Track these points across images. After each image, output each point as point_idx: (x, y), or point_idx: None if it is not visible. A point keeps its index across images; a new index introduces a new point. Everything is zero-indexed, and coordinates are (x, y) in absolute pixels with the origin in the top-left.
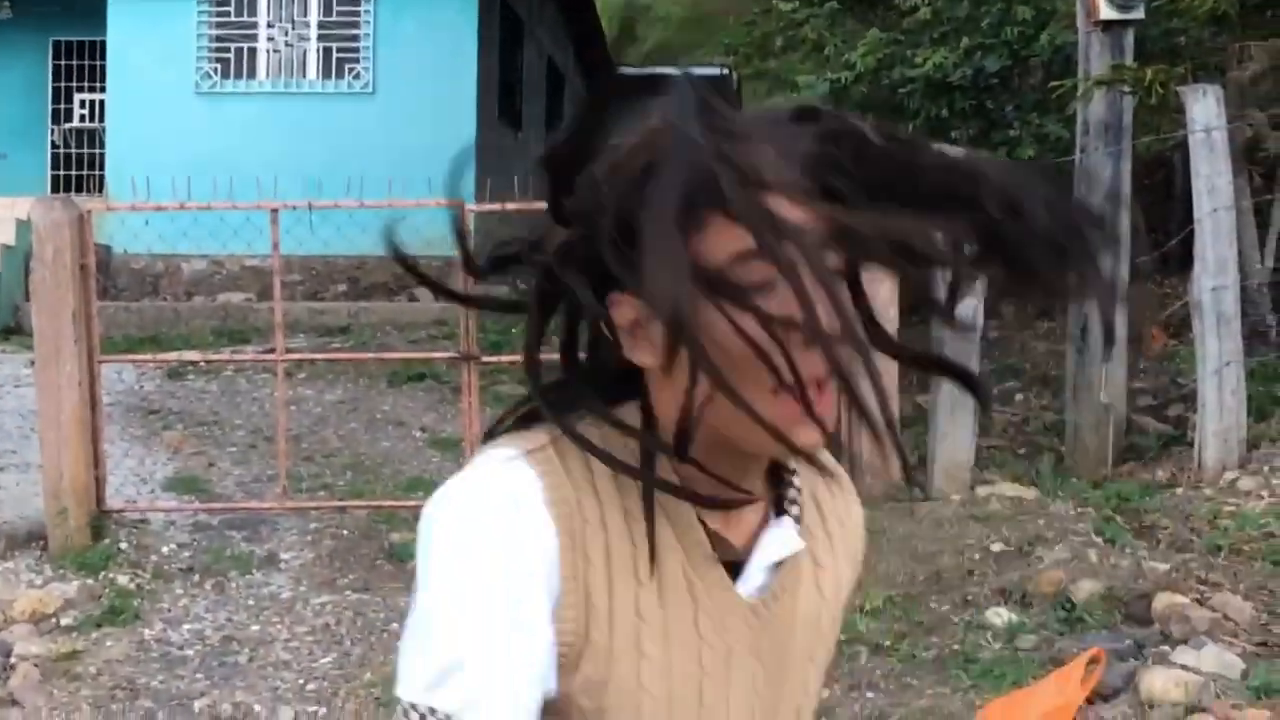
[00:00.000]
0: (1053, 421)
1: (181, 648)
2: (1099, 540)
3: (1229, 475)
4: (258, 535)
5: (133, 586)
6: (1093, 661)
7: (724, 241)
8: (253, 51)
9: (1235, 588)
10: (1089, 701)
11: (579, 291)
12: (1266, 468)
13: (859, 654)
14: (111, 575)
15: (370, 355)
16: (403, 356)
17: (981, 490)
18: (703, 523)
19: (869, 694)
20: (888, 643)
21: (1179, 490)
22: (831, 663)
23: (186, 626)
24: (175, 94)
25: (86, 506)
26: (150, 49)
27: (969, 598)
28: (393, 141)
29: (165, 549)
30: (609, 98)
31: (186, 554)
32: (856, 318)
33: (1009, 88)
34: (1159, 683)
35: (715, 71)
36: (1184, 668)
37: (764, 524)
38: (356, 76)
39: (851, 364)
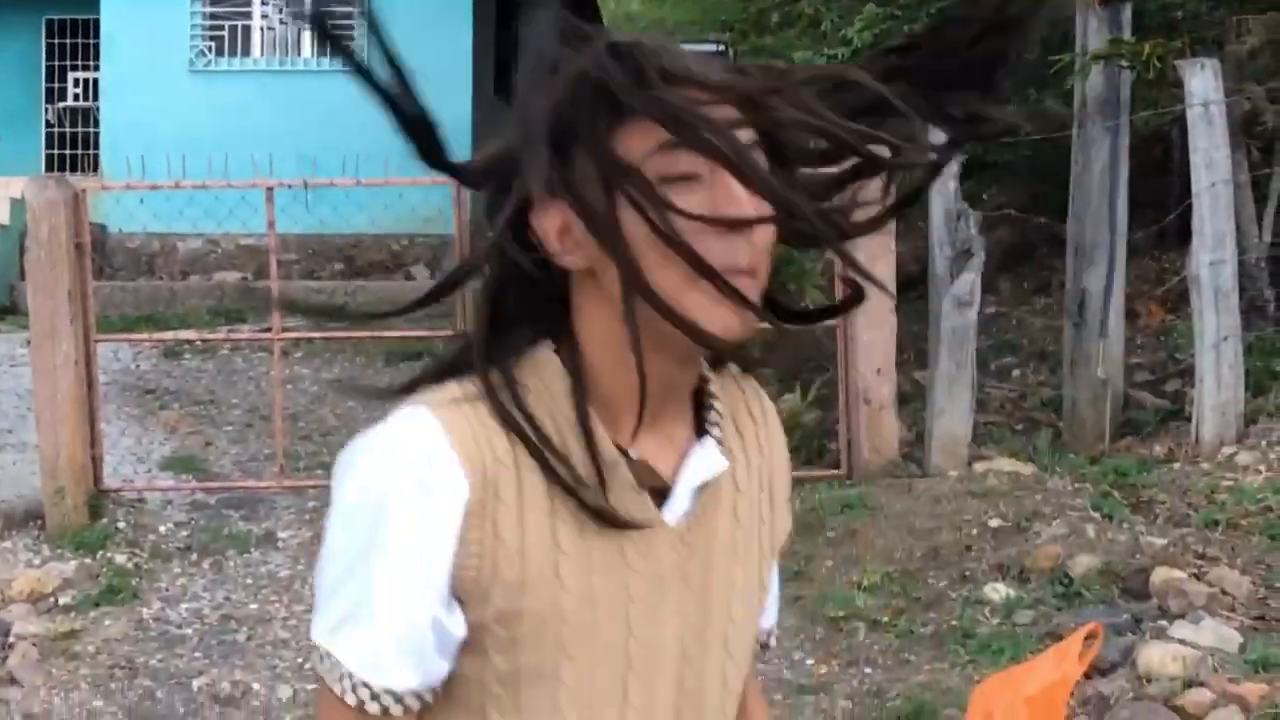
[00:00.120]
0: (1050, 397)
1: (180, 626)
2: (1096, 515)
3: (1226, 450)
4: (255, 514)
5: (131, 566)
6: (1090, 636)
7: (642, 138)
8: (247, 29)
9: (1233, 562)
10: (1087, 676)
11: (507, 202)
12: (1264, 442)
13: (857, 630)
14: (109, 554)
15: (367, 334)
16: (399, 335)
17: (979, 466)
18: (624, 452)
19: (867, 669)
20: (885, 618)
21: (1176, 465)
22: (829, 639)
23: (185, 605)
24: (169, 72)
25: (84, 486)
26: (144, 27)
27: (967, 573)
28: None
29: (163, 528)
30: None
31: (184, 533)
32: (780, 196)
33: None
34: (1156, 657)
35: (711, 48)
36: (1181, 642)
37: (688, 449)
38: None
39: (769, 245)
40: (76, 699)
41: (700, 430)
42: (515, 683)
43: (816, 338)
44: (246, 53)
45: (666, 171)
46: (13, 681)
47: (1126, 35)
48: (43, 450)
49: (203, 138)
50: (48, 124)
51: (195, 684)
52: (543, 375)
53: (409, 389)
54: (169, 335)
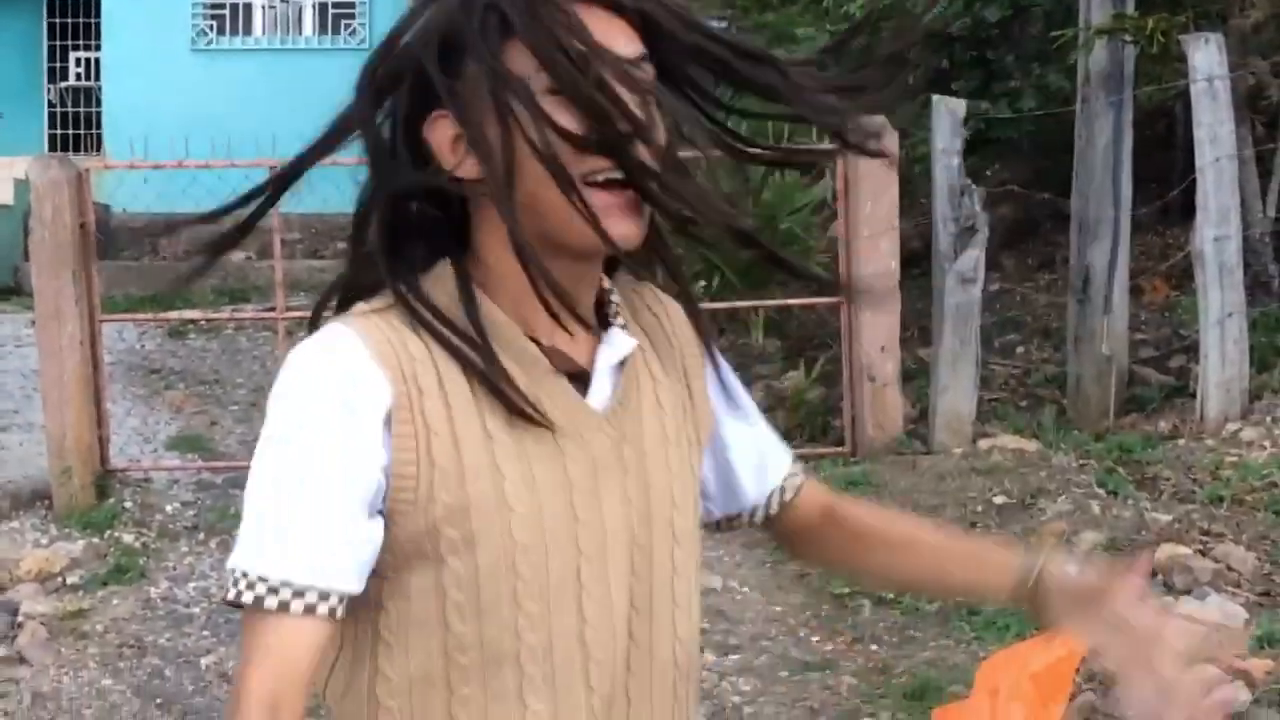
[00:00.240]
0: (1054, 374)
1: (187, 605)
2: (1101, 492)
3: (1231, 426)
4: None
5: (138, 545)
6: None
7: (528, 55)
8: (248, 8)
9: (1238, 538)
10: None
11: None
12: (1269, 418)
13: (862, 607)
14: (116, 534)
15: None
16: None
17: (983, 443)
18: (535, 340)
19: (873, 646)
20: (891, 595)
21: (1181, 441)
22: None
23: (192, 584)
24: (171, 51)
25: (90, 466)
26: (145, 6)
27: None
28: None
29: (169, 508)
30: None
31: (191, 512)
32: (664, 118)
33: (1009, 38)
34: None
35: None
36: (1187, 618)
37: (597, 342)
38: (353, 33)
39: (648, 163)
40: (85, 678)
41: (604, 324)
42: (474, 583)
43: (820, 314)
44: (248, 32)
45: (553, 85)
46: (22, 660)
47: (1130, 10)
48: (49, 430)
49: (205, 117)
50: (50, 104)
51: (203, 662)
52: (445, 286)
53: (315, 315)
54: (174, 315)
